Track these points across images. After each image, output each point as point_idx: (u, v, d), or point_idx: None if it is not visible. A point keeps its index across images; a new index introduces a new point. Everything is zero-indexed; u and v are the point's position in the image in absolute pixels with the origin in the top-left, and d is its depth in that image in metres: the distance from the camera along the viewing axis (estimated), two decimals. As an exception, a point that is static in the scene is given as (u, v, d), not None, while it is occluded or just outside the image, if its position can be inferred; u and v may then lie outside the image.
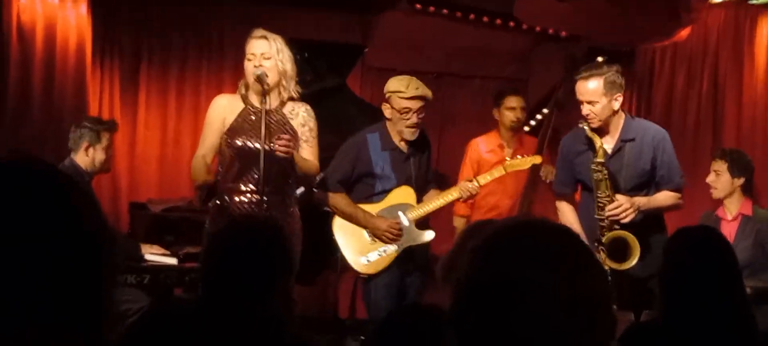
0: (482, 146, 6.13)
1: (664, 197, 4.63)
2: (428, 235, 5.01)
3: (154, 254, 5.25)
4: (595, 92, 4.51)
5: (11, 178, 1.23)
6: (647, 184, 4.64)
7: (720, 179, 5.33)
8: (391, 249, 4.92)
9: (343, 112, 6.04)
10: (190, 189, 6.68)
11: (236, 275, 2.52)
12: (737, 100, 6.83)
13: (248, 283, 2.52)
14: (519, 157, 5.31)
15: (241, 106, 4.54)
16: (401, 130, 4.89)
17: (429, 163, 5.19)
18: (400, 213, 4.95)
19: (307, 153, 4.56)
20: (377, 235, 4.91)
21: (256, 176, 4.39)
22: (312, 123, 4.60)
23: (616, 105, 4.55)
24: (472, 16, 7.27)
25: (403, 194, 4.98)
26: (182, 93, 7.19)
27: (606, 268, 4.33)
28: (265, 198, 4.34)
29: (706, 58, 7.04)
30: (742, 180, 5.30)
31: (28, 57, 6.40)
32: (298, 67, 4.65)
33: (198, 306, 2.55)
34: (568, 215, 4.79)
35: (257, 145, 4.36)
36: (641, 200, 4.52)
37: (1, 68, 6.32)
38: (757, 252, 5.16)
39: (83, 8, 6.56)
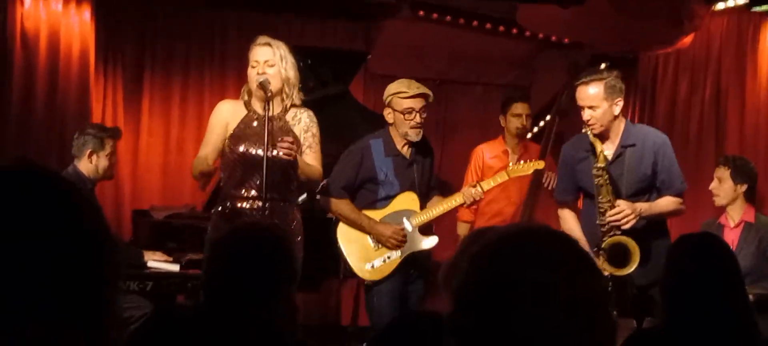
0: (486, 153, 6.14)
1: (666, 203, 4.63)
2: (432, 241, 5.01)
3: (156, 261, 5.26)
4: (595, 97, 4.52)
5: (13, 181, 1.24)
6: (648, 189, 4.64)
7: (723, 186, 5.33)
8: (395, 255, 4.92)
9: (346, 119, 6.04)
10: (193, 196, 6.73)
11: (241, 280, 2.52)
12: (740, 108, 6.83)
13: (253, 288, 2.51)
14: (522, 163, 5.31)
15: (244, 112, 4.55)
16: (405, 132, 4.90)
17: (432, 169, 5.20)
18: (404, 219, 4.96)
19: (311, 159, 4.57)
20: (382, 241, 4.91)
21: (258, 183, 4.40)
22: (315, 129, 4.61)
23: (617, 110, 4.56)
24: (474, 23, 7.29)
25: (407, 200, 4.99)
26: (185, 100, 7.21)
27: (606, 273, 4.33)
28: (267, 204, 4.34)
29: (708, 66, 7.04)
30: (744, 187, 5.30)
31: (31, 64, 6.42)
32: (300, 74, 4.66)
33: (200, 312, 2.55)
34: (569, 222, 4.79)
35: (260, 152, 4.36)
36: (642, 206, 4.51)
37: (5, 75, 6.34)
38: (760, 259, 5.16)
39: (87, 15, 6.58)
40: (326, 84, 6.20)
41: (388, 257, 4.91)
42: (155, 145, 7.13)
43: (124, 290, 4.82)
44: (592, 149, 4.55)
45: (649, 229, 4.56)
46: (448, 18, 7.21)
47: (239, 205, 4.48)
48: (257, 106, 4.53)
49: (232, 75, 7.03)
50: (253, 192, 4.45)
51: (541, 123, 7.02)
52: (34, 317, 1.18)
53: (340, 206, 4.96)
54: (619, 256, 4.44)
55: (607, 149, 4.59)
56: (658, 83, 7.31)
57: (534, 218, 5.98)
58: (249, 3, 7.19)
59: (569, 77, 6.24)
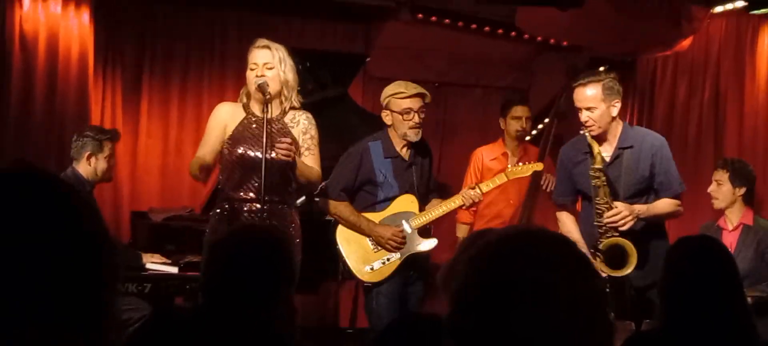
0: (486, 155, 6.16)
1: (664, 205, 4.63)
2: (431, 243, 5.01)
3: (155, 263, 5.26)
4: (593, 98, 4.52)
5: (13, 183, 1.24)
6: (646, 191, 4.64)
7: (721, 189, 5.33)
8: (395, 257, 4.92)
9: (345, 121, 6.05)
10: (192, 198, 6.73)
11: (240, 282, 2.52)
12: (739, 110, 6.83)
13: (252, 290, 2.51)
14: (520, 164, 5.32)
15: (242, 114, 4.55)
16: (404, 132, 4.91)
17: (430, 171, 5.20)
18: (403, 221, 4.96)
19: (310, 160, 4.57)
20: (381, 243, 4.91)
21: (257, 185, 4.40)
22: (313, 130, 4.61)
23: (615, 111, 4.57)
24: (473, 26, 7.29)
25: (406, 202, 4.99)
26: (184, 102, 7.20)
27: (603, 275, 4.33)
28: (265, 206, 4.34)
29: (707, 68, 7.04)
30: (743, 190, 5.30)
31: (30, 66, 6.41)
32: (299, 76, 4.66)
33: (199, 314, 2.55)
34: (568, 224, 4.79)
35: (258, 154, 4.36)
36: (640, 208, 4.52)
37: (4, 77, 6.33)
38: (758, 262, 5.16)
39: (86, 17, 6.58)
40: (325, 86, 6.21)
41: (388, 259, 4.92)
42: (154, 147, 7.12)
43: (122, 292, 4.82)
44: (590, 151, 4.56)
45: (648, 231, 4.56)
46: (447, 21, 7.22)
47: (238, 207, 4.48)
48: (256, 109, 4.53)
49: (231, 76, 7.03)
50: (252, 194, 4.45)
51: (540, 126, 7.02)
52: (33, 319, 1.18)
53: (340, 208, 4.97)
54: (617, 257, 4.44)
55: (605, 151, 4.60)
56: (656, 86, 7.31)
57: (532, 220, 5.99)
58: (249, 4, 7.18)
59: (568, 80, 6.24)
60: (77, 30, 6.55)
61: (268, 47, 4.50)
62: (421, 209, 5.02)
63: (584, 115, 4.55)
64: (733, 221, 5.32)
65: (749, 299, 3.43)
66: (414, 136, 4.92)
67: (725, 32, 6.95)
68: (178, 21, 7.14)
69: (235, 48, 6.91)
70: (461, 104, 7.89)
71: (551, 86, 7.20)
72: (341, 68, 6.41)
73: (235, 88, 6.12)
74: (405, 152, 4.99)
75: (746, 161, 5.56)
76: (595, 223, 4.49)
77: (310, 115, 4.63)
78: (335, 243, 4.97)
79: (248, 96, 4.56)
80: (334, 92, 6.25)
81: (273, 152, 4.31)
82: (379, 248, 4.92)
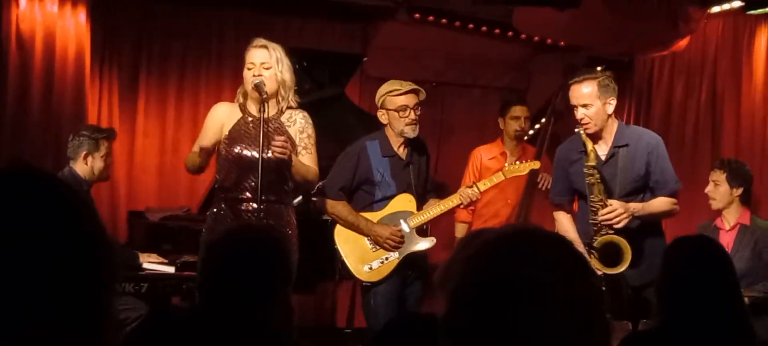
0: (485, 155, 6.17)
1: (660, 203, 4.63)
2: (429, 242, 5.01)
3: (152, 263, 5.26)
4: (589, 95, 4.53)
5: (12, 183, 1.24)
6: (642, 189, 4.64)
7: (719, 190, 5.34)
8: (394, 257, 4.92)
9: (342, 121, 6.05)
10: (189, 198, 6.72)
11: (236, 282, 2.52)
12: (736, 110, 6.85)
13: (249, 290, 2.51)
14: (518, 163, 5.33)
15: (239, 114, 4.55)
16: (401, 129, 4.91)
17: (427, 171, 5.21)
18: (401, 221, 4.96)
19: (307, 160, 4.56)
20: (379, 242, 4.91)
21: (253, 184, 4.39)
22: (310, 129, 4.60)
23: (610, 109, 4.57)
24: (470, 26, 7.29)
25: (404, 201, 4.99)
26: (181, 101, 7.19)
27: (598, 272, 4.33)
28: (262, 206, 4.34)
29: (704, 69, 7.05)
30: (740, 190, 5.31)
31: (27, 65, 6.40)
32: (297, 76, 4.66)
33: (196, 314, 2.55)
34: (565, 224, 4.79)
35: (255, 154, 4.36)
36: (636, 206, 4.52)
37: (0, 76, 6.32)
38: (755, 262, 5.17)
39: (82, 16, 6.57)
40: (322, 86, 6.20)
41: (386, 259, 4.92)
42: (151, 147, 7.12)
43: (119, 292, 4.81)
44: (585, 149, 4.56)
45: (645, 230, 4.57)
46: (445, 21, 7.21)
47: (234, 206, 4.48)
48: (252, 108, 4.53)
49: (228, 76, 7.02)
50: (249, 193, 4.45)
51: (537, 125, 7.03)
52: (32, 318, 1.18)
53: (338, 207, 4.96)
54: (612, 255, 4.44)
55: (601, 150, 4.60)
56: (653, 86, 7.32)
57: (529, 219, 5.99)
58: (247, 3, 7.18)
59: (565, 80, 6.25)
60: (74, 29, 6.54)
61: (266, 47, 4.50)
62: (419, 208, 5.02)
63: (580, 113, 4.56)
64: (730, 221, 5.33)
65: (746, 299, 3.44)
66: (411, 132, 4.92)
67: (722, 32, 6.96)
68: (175, 20, 7.13)
69: (232, 47, 6.91)
70: (458, 104, 7.89)
71: (548, 86, 7.21)
72: (338, 68, 6.41)
73: (232, 87, 6.11)
74: (402, 152, 4.99)
75: (743, 161, 5.57)
76: (590, 220, 4.50)
77: (307, 115, 4.63)
78: (333, 243, 4.97)
79: (245, 96, 4.56)
80: (332, 92, 6.24)
81: (269, 152, 4.31)
82: (378, 247, 4.92)
